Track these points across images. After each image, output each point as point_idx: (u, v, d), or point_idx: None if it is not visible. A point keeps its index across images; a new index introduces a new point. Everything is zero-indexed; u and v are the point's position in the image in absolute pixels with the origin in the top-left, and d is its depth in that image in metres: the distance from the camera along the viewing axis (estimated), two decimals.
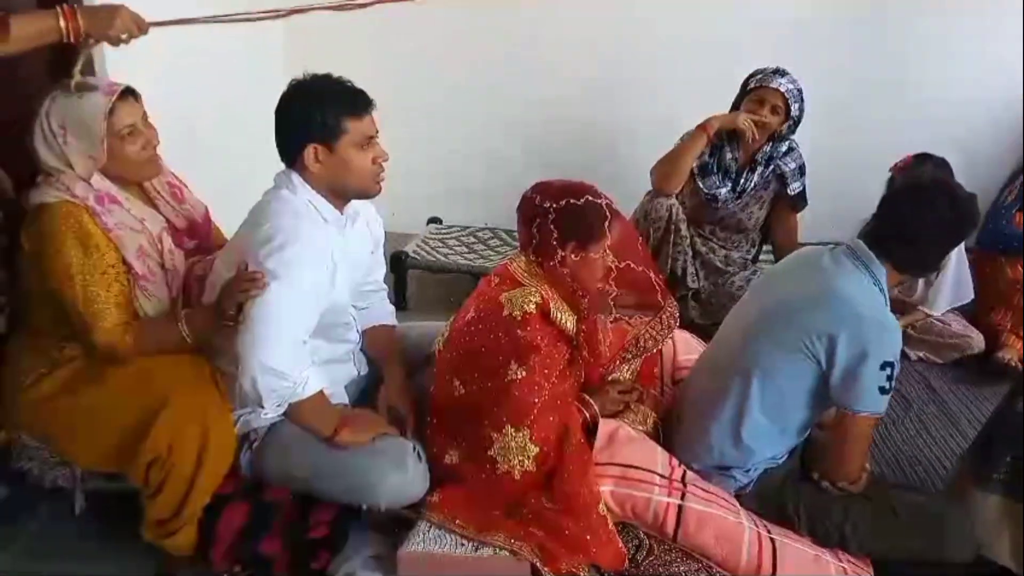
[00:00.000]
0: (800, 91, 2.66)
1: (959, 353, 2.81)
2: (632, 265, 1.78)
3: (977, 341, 2.79)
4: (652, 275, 1.86)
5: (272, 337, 1.61)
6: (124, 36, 1.58)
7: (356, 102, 1.69)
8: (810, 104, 2.69)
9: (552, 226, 1.68)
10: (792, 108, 2.64)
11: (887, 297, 1.71)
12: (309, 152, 1.68)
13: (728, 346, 1.89)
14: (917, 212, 1.70)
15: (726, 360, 1.87)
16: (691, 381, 2.03)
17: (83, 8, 1.55)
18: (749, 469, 1.83)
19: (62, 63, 1.94)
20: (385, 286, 2.15)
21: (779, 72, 2.65)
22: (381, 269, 2.12)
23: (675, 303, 1.98)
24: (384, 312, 2.11)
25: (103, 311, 1.64)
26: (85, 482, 1.85)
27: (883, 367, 1.63)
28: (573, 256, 1.70)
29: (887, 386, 1.65)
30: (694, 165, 2.76)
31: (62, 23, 1.52)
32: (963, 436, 2.39)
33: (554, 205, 1.68)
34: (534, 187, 1.74)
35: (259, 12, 1.49)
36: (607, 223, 1.70)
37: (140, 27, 1.59)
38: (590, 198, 1.69)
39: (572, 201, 1.67)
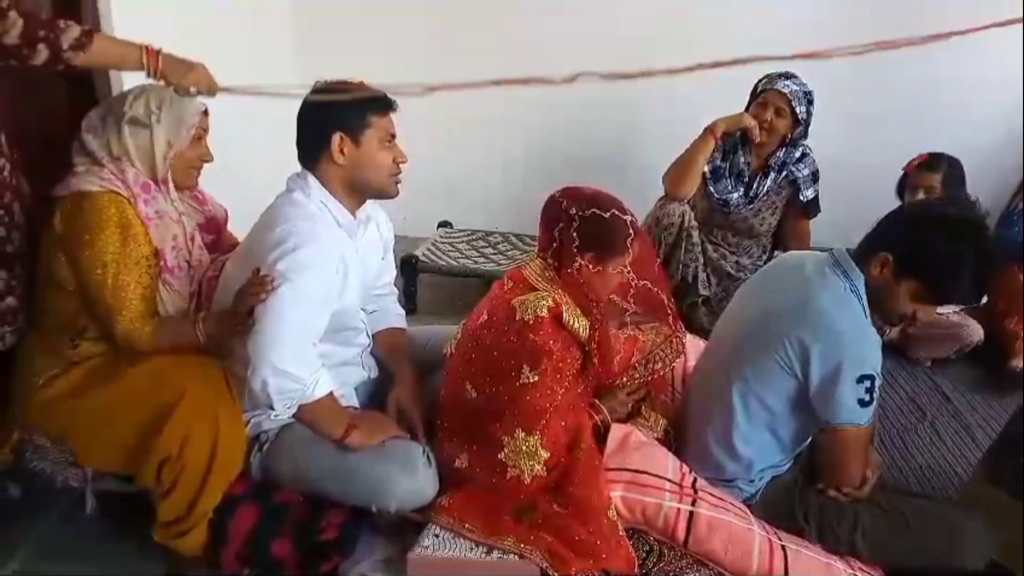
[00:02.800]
0: (807, 94, 2.64)
1: (958, 344, 2.78)
2: (648, 285, 1.78)
3: (974, 330, 2.76)
4: (666, 299, 1.87)
5: (283, 339, 1.62)
6: (193, 90, 1.68)
7: (380, 99, 1.71)
8: (824, 111, 2.68)
9: (574, 233, 1.66)
10: (798, 111, 2.63)
11: (866, 307, 1.67)
12: (336, 141, 1.69)
13: (717, 353, 1.89)
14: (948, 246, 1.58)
15: (714, 367, 1.86)
16: (691, 388, 2.03)
17: (165, 54, 1.66)
18: (753, 479, 1.82)
19: (81, 83, 2.16)
20: (395, 289, 2.16)
21: (786, 75, 2.63)
22: (391, 272, 2.12)
23: (684, 330, 1.99)
24: (394, 315, 2.11)
25: (129, 300, 1.67)
26: (96, 482, 1.85)
27: (860, 380, 1.61)
28: (590, 267, 1.68)
29: (866, 399, 1.62)
30: (706, 169, 2.75)
31: (145, 59, 1.63)
32: (978, 445, 2.37)
33: (580, 213, 1.66)
34: (563, 191, 1.73)
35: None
36: (629, 240, 1.68)
37: (210, 88, 1.70)
38: (616, 212, 1.67)
39: (598, 212, 1.66)
